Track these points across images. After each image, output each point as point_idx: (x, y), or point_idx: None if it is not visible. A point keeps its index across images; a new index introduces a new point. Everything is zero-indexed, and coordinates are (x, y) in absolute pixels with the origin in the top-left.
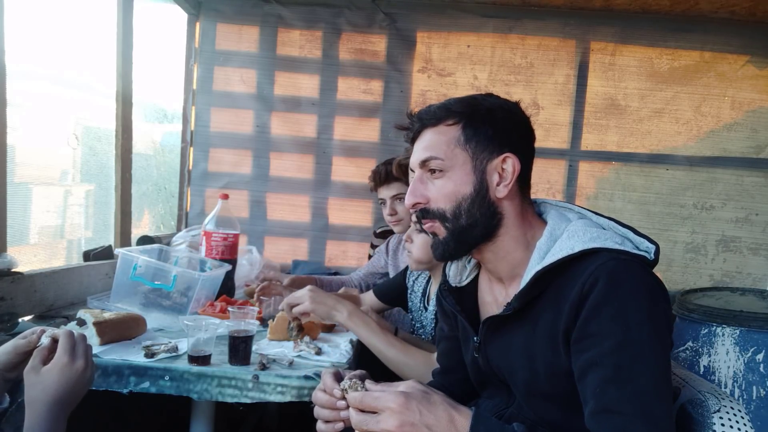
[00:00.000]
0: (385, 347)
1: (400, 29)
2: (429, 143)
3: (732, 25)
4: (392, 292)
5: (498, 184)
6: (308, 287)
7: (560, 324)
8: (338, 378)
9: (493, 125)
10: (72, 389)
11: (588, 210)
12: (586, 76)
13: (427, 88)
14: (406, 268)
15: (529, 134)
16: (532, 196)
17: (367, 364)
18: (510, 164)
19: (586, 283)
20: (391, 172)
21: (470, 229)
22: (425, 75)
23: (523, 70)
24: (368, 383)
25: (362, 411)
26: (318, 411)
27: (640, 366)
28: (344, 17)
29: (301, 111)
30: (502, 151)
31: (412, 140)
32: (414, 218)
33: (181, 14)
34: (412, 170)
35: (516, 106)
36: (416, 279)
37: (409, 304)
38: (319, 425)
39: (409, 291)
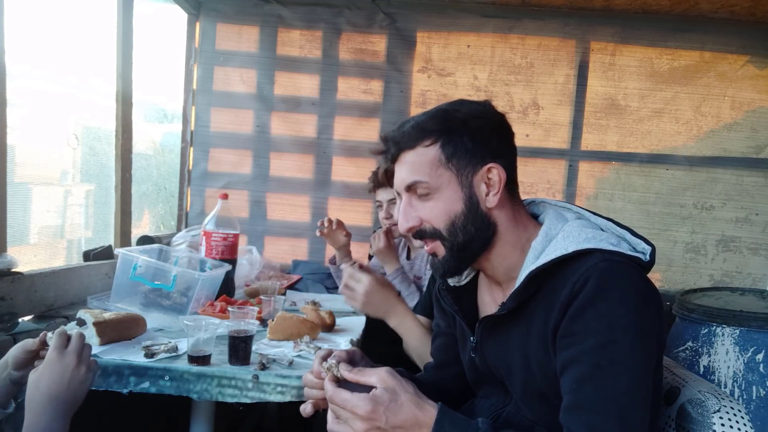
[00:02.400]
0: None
1: (400, 29)
2: (411, 167)
3: (732, 25)
4: (429, 305)
5: (487, 195)
6: (368, 281)
7: (551, 323)
8: (326, 359)
9: (471, 137)
10: (66, 386)
11: (587, 210)
12: (586, 76)
13: (427, 88)
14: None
15: (508, 134)
16: (532, 196)
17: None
18: (495, 173)
19: (576, 282)
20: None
21: (468, 245)
22: (425, 75)
23: (523, 70)
24: (342, 369)
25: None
26: (307, 392)
27: (620, 367)
28: (344, 17)
29: (301, 111)
30: (485, 161)
31: (392, 161)
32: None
33: (181, 14)
34: (398, 194)
35: (488, 107)
36: None
37: None
38: (302, 407)
39: None
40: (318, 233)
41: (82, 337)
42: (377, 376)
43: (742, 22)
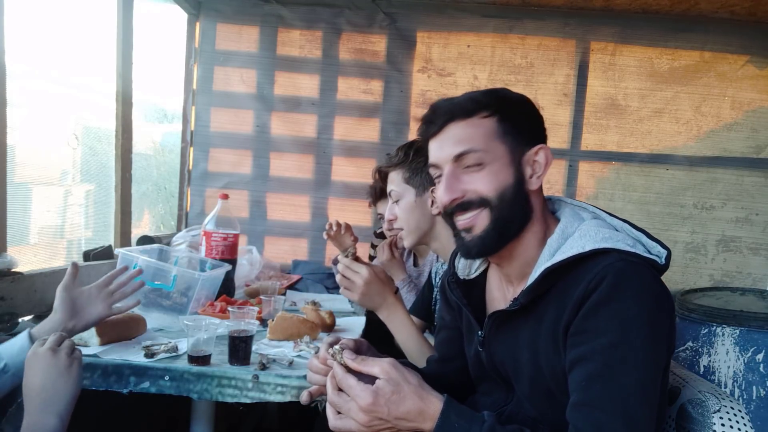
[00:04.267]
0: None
1: (400, 29)
2: (462, 137)
3: (732, 25)
4: (424, 307)
5: (531, 177)
6: (367, 273)
7: (563, 321)
8: (332, 346)
9: (527, 117)
10: (46, 378)
11: (603, 211)
12: (586, 76)
13: (427, 88)
14: (430, 276)
15: (544, 128)
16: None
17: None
18: (543, 156)
19: (591, 281)
20: (385, 189)
21: (511, 222)
22: (425, 75)
23: (523, 70)
24: (346, 356)
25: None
26: (310, 376)
27: (629, 367)
28: (344, 17)
29: (301, 111)
30: (537, 142)
31: (432, 135)
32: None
33: (181, 14)
34: (437, 167)
35: (530, 101)
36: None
37: (434, 300)
38: (301, 395)
39: (435, 290)
40: (325, 236)
41: (70, 339)
42: (380, 367)
43: (742, 22)
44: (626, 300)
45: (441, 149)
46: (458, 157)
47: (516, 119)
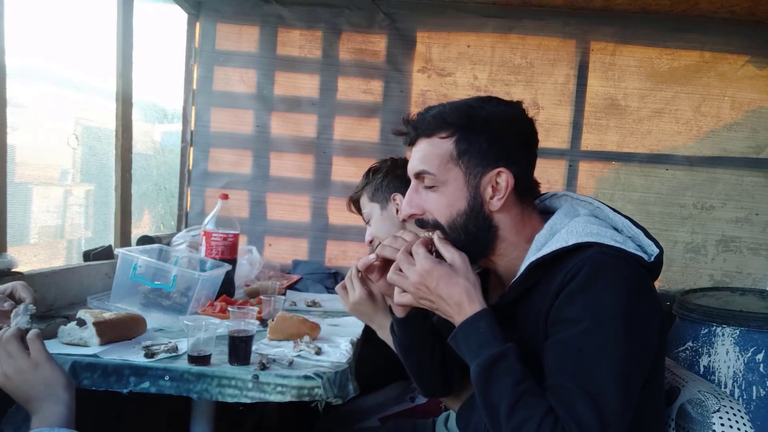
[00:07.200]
0: None
1: (400, 29)
2: (423, 155)
3: (732, 25)
4: None
5: (492, 198)
6: (357, 296)
7: (543, 312)
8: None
9: (489, 137)
10: (27, 389)
11: (608, 207)
12: (586, 76)
13: (427, 88)
14: None
15: (529, 141)
16: (550, 190)
17: (367, 362)
18: (503, 178)
19: (570, 271)
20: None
21: (469, 245)
22: (425, 75)
23: (523, 70)
24: (435, 236)
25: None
26: (379, 249)
27: (602, 355)
28: (344, 17)
29: (301, 111)
30: (497, 164)
31: (408, 145)
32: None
33: (181, 14)
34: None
35: (517, 110)
36: None
37: None
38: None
39: None
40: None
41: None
42: (452, 254)
43: (742, 22)
44: (601, 290)
45: (411, 162)
46: (417, 175)
47: (476, 140)
